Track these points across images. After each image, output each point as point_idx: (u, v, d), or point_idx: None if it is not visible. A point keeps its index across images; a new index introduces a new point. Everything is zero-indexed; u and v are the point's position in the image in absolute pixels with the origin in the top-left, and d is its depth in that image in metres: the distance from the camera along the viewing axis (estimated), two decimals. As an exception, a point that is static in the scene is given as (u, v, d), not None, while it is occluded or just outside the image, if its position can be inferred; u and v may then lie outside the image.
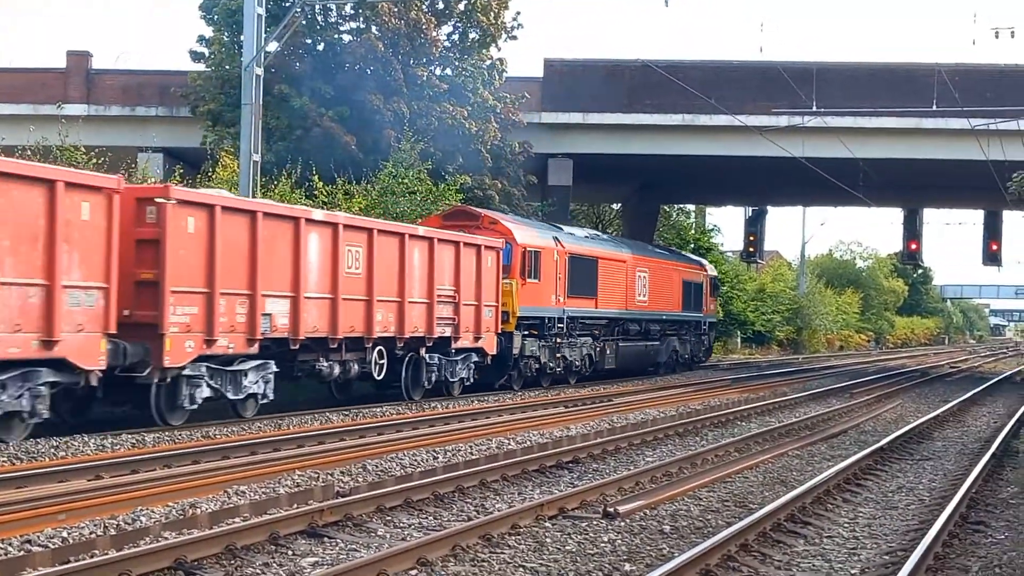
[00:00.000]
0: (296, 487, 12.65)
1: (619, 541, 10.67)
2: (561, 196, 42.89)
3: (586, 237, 33.29)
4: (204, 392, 18.01)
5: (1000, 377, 42.90)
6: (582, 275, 30.34)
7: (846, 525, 11.96)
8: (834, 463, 15.89)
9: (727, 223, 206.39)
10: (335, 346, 20.86)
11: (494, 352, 26.02)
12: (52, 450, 14.64)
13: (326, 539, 10.31)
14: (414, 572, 9.17)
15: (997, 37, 31.23)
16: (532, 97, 40.23)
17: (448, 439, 17.29)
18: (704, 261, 44.65)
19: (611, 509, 11.78)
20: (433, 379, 24.17)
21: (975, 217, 79.41)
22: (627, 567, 9.69)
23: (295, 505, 11.52)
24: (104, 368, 16.00)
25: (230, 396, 18.66)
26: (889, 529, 11.83)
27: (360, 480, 13.34)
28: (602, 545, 10.49)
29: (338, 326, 20.64)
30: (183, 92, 37.81)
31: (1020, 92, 37.07)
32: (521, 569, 9.48)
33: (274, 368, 19.52)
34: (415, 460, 15.09)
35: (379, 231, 21.94)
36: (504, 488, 13.38)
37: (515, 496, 12.92)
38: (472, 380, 25.78)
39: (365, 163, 33.91)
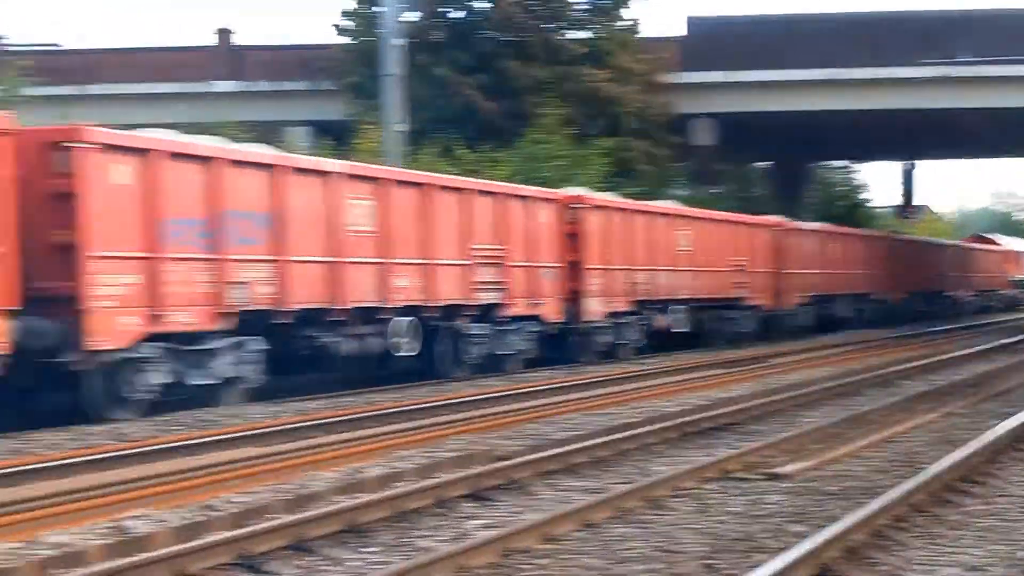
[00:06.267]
0: (456, 452, 12.78)
1: (786, 502, 10.52)
2: (705, 157, 42.47)
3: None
4: None
5: None
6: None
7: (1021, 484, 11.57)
8: (1004, 421, 15.40)
9: (881, 178, 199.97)
10: None
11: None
12: (225, 419, 15.15)
13: (489, 502, 10.39)
14: (579, 534, 9.18)
15: None
16: (672, 57, 39.81)
17: (604, 403, 17.28)
18: None
19: (775, 470, 11.64)
20: None
21: None
22: (796, 528, 9.55)
23: (458, 470, 11.63)
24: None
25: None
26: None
27: (519, 444, 13.41)
28: (768, 507, 10.36)
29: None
30: (326, 65, 38.35)
31: None
32: (688, 530, 9.42)
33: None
34: (572, 424, 15.12)
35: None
36: (664, 451, 13.32)
37: (675, 459, 12.85)
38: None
39: (506, 130, 33.99)
